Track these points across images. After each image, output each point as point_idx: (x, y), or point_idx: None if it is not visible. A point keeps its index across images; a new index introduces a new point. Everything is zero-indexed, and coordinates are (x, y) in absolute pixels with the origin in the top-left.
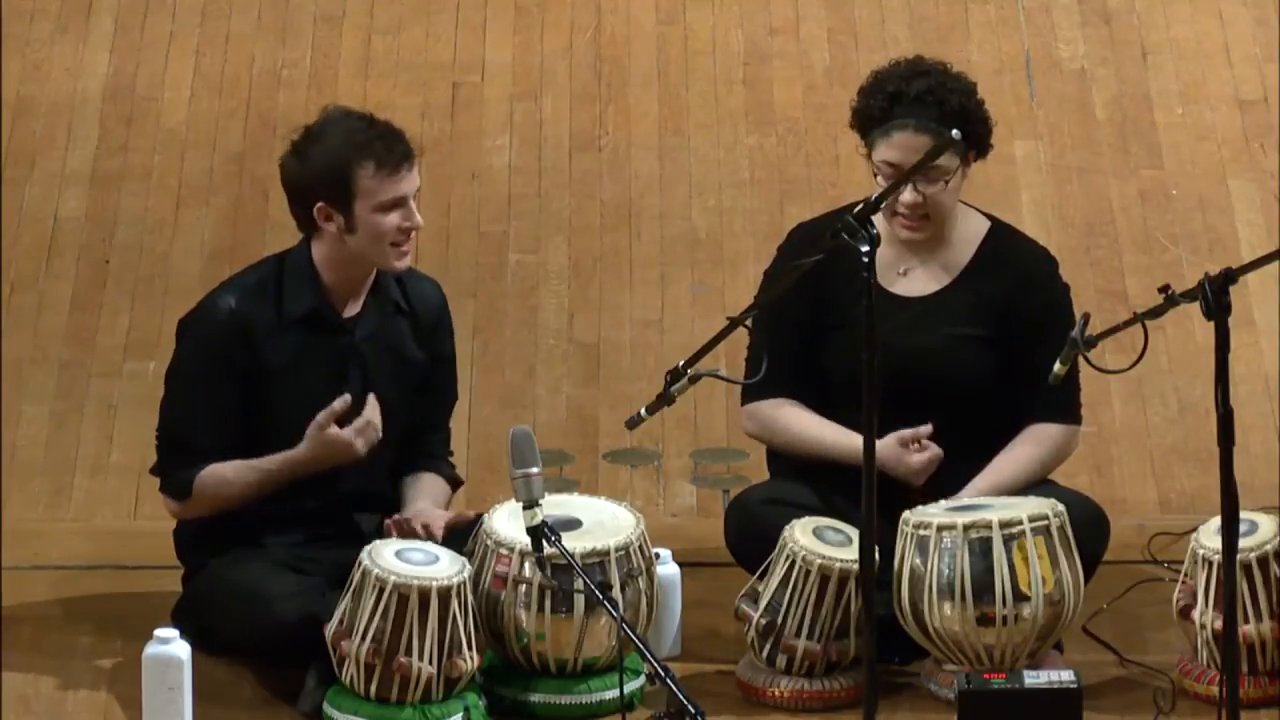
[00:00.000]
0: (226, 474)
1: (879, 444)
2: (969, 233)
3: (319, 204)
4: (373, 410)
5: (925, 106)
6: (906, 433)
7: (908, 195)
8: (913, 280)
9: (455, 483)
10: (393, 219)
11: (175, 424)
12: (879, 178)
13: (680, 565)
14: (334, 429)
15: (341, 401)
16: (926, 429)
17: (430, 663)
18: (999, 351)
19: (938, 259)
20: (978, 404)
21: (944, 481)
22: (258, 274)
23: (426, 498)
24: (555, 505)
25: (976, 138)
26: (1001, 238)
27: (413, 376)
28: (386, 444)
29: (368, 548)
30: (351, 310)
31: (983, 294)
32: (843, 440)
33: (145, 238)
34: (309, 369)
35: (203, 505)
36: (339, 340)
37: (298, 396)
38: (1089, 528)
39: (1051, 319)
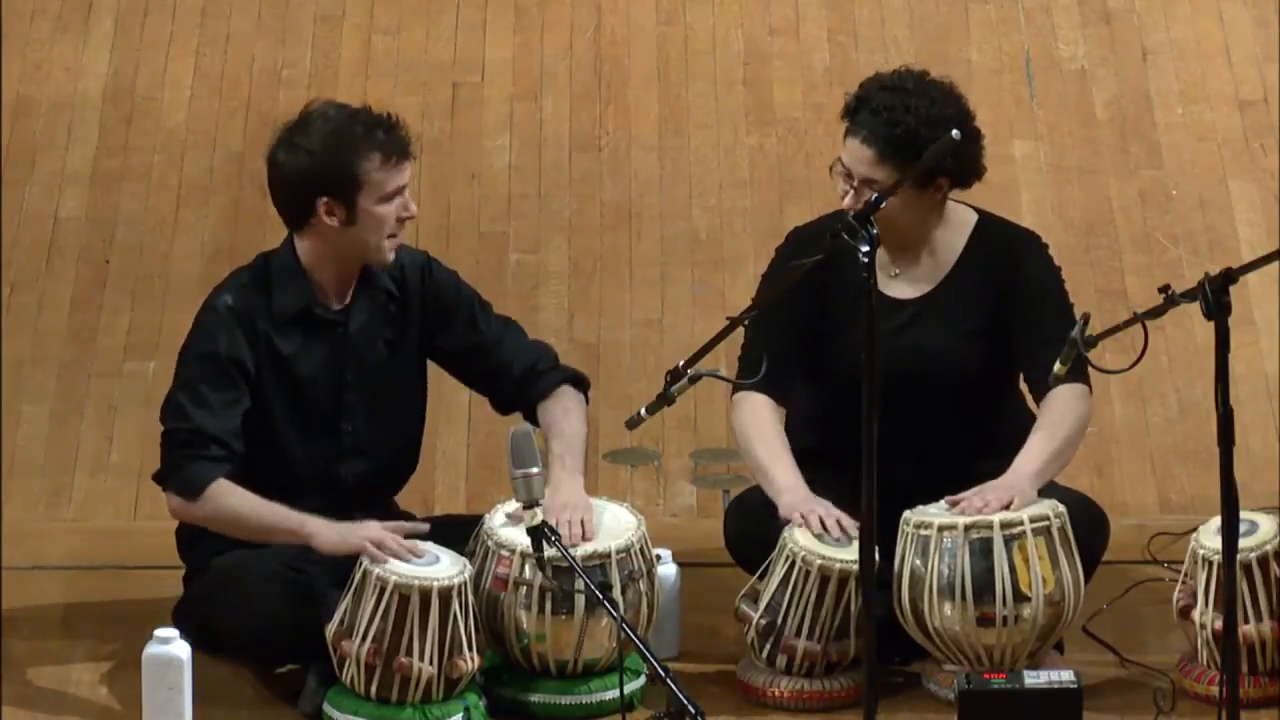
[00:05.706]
0: (242, 501)
1: (795, 491)
2: (958, 228)
3: (323, 199)
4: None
5: (878, 121)
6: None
7: (848, 200)
8: (906, 281)
9: (580, 381)
10: (393, 209)
11: (183, 413)
12: (832, 170)
13: (680, 565)
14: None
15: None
16: (850, 524)
17: (431, 663)
18: (998, 341)
19: (928, 258)
20: (977, 400)
21: (944, 479)
22: (249, 274)
23: (557, 436)
24: None
25: (945, 169)
26: (987, 227)
27: (409, 362)
28: (394, 432)
29: None
30: (342, 303)
31: (975, 285)
32: (774, 471)
33: (145, 238)
34: (304, 366)
35: (206, 511)
36: (332, 335)
37: (294, 394)
38: (1089, 528)
39: (1045, 288)
